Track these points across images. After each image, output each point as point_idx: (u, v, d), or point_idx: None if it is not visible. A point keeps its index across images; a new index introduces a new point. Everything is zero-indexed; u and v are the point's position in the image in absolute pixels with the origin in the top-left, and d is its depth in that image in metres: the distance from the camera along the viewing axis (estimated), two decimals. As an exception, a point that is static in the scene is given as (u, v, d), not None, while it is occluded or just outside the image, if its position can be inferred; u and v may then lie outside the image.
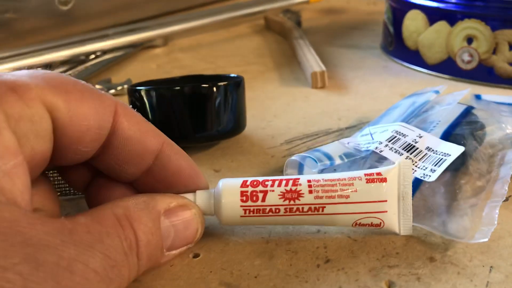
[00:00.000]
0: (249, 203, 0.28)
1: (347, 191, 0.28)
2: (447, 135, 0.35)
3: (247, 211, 0.28)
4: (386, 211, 0.28)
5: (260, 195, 0.28)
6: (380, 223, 0.28)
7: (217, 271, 0.27)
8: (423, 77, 0.56)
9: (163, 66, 0.62)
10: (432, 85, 0.53)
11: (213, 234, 0.30)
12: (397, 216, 0.28)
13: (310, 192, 0.28)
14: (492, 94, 0.51)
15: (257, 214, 0.28)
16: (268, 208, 0.28)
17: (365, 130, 0.38)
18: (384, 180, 0.28)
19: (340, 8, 0.93)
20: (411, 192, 0.28)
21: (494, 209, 0.29)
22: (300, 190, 0.28)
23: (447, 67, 0.55)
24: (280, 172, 0.37)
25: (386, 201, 0.28)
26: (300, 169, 0.35)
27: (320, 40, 0.71)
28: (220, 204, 0.28)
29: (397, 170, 0.28)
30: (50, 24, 0.68)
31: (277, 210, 0.28)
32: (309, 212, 0.28)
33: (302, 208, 0.28)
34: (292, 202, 0.28)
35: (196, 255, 0.28)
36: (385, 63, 0.61)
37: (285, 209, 0.28)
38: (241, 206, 0.27)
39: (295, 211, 0.28)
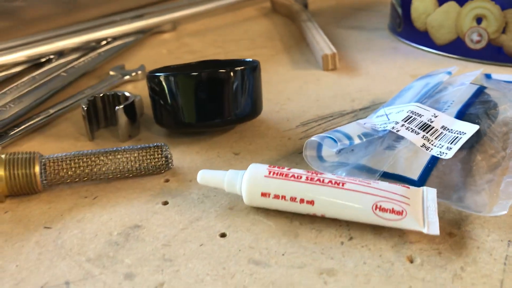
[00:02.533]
0: (274, 169, 0.30)
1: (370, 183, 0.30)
2: (461, 115, 0.36)
3: (271, 172, 0.30)
4: (409, 204, 0.28)
5: (285, 169, 0.31)
6: (402, 211, 0.28)
7: (245, 250, 0.28)
8: (432, 57, 0.57)
9: (173, 51, 0.62)
10: (442, 65, 0.54)
11: (238, 215, 0.31)
12: (421, 213, 0.28)
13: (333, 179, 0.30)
14: (501, 73, 0.51)
15: (280, 177, 0.30)
16: (291, 173, 0.30)
17: (380, 111, 0.39)
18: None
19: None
20: (435, 205, 0.29)
21: (511, 183, 0.30)
22: (323, 174, 0.30)
23: (456, 47, 0.55)
24: (299, 154, 0.37)
25: (409, 198, 0.29)
26: (319, 149, 0.36)
27: (326, 21, 0.72)
28: (245, 175, 0.30)
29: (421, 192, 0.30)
30: (58, 11, 0.68)
31: (299, 177, 0.30)
32: (329, 184, 0.29)
33: (323, 179, 0.29)
34: (314, 175, 0.30)
35: (223, 235, 0.29)
36: (394, 44, 0.61)
37: (307, 177, 0.30)
38: (266, 169, 0.30)
39: (316, 181, 0.29)
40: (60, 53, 0.58)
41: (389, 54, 0.58)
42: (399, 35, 0.63)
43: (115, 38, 0.63)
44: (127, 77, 0.52)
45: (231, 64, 0.43)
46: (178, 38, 0.67)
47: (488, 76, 0.49)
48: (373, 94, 0.47)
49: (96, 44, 0.61)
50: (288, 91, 0.49)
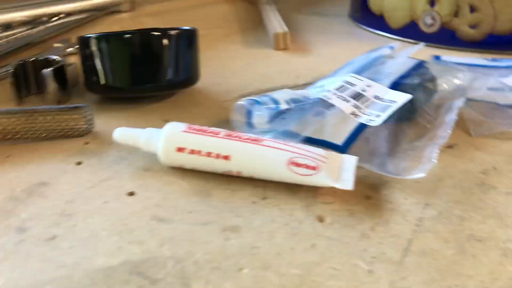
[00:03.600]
0: (193, 125, 0.30)
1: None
2: (396, 85, 0.35)
3: (190, 128, 0.29)
4: (325, 162, 0.27)
5: (205, 127, 0.30)
6: (316, 166, 0.27)
7: (151, 207, 0.26)
8: (386, 41, 0.56)
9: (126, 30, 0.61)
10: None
11: (153, 176, 0.29)
12: (337, 171, 0.27)
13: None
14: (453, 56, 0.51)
15: (198, 132, 0.29)
16: (209, 129, 0.29)
17: (318, 83, 0.38)
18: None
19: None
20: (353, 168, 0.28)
21: (434, 148, 0.29)
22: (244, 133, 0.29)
23: (411, 31, 0.55)
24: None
25: (326, 157, 0.28)
26: (250, 116, 0.34)
27: (290, 7, 0.71)
28: (163, 131, 0.29)
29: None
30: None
31: (217, 133, 0.29)
32: (248, 141, 0.28)
33: (242, 136, 0.28)
34: (233, 132, 0.29)
35: (131, 194, 0.28)
36: (350, 29, 0.61)
37: (226, 134, 0.29)
38: (185, 125, 0.30)
39: (235, 137, 0.28)
40: (8, 26, 0.56)
41: (343, 38, 0.57)
42: (358, 20, 0.62)
43: (69, 14, 0.61)
44: (70, 49, 0.50)
45: (168, 30, 0.41)
46: (134, 18, 0.66)
47: (437, 58, 0.49)
48: (320, 72, 0.46)
49: (48, 19, 0.59)
50: (235, 66, 0.48)
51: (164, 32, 0.36)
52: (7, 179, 0.29)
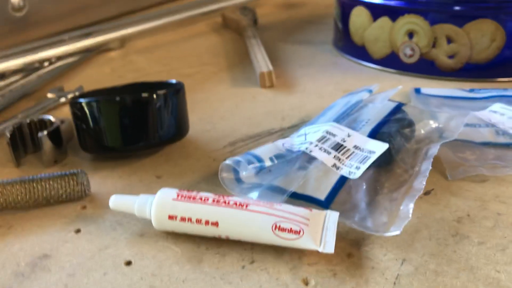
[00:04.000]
0: (183, 192, 0.31)
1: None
2: (374, 133, 0.37)
3: (179, 196, 0.31)
4: (308, 225, 0.29)
5: (194, 192, 0.32)
6: (300, 230, 0.29)
7: (147, 277, 0.28)
8: (369, 72, 0.58)
9: (117, 70, 0.62)
10: (378, 80, 0.55)
11: (148, 242, 0.31)
12: (320, 233, 0.29)
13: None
14: (434, 86, 0.53)
15: (187, 200, 0.31)
16: (198, 196, 0.31)
17: (301, 131, 0.40)
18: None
19: (299, 1, 0.94)
20: (335, 226, 0.29)
21: (410, 202, 0.31)
22: (230, 196, 0.31)
23: (392, 62, 0.57)
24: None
25: (308, 219, 0.29)
26: (236, 171, 0.36)
27: (274, 36, 0.73)
28: (154, 199, 0.31)
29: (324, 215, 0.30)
30: (5, 31, 0.68)
31: (206, 199, 0.30)
32: (234, 206, 0.30)
33: (229, 201, 0.30)
34: (220, 197, 0.31)
35: (128, 263, 0.30)
36: (335, 59, 0.63)
37: (213, 199, 0.30)
38: (175, 193, 0.31)
39: (222, 203, 0.30)
40: (1, 75, 0.58)
41: (328, 70, 0.59)
42: (341, 49, 0.64)
43: (60, 58, 0.63)
44: (63, 100, 0.52)
45: (156, 86, 0.43)
46: (124, 56, 0.68)
47: (417, 91, 0.51)
48: (305, 112, 0.48)
49: (40, 64, 0.61)
50: (223, 109, 0.50)
51: (152, 92, 0.38)
52: (11, 252, 0.31)
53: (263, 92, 0.54)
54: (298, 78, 0.57)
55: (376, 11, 0.56)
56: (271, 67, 0.55)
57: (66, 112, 0.51)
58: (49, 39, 0.69)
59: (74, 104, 0.39)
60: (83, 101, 0.38)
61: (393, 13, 0.55)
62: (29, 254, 0.31)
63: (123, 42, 0.71)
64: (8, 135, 0.40)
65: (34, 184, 0.34)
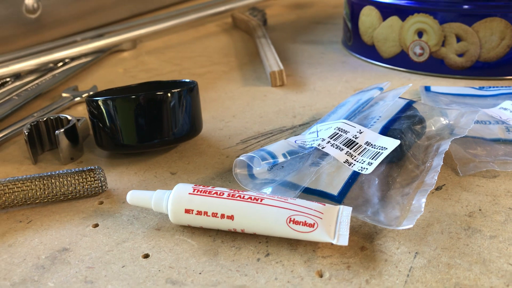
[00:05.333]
0: (199, 187, 0.32)
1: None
2: (386, 130, 0.38)
3: (195, 190, 0.32)
4: (321, 218, 0.30)
5: (210, 187, 0.32)
6: (314, 223, 0.29)
7: (165, 270, 0.29)
8: (379, 70, 0.58)
9: (130, 70, 0.63)
10: (387, 78, 0.56)
11: (164, 235, 0.32)
12: (333, 226, 0.30)
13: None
14: (443, 85, 0.53)
15: (203, 194, 0.31)
16: (214, 191, 0.31)
17: (313, 128, 0.40)
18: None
19: (307, 2, 0.95)
20: (348, 220, 0.30)
21: (422, 197, 0.31)
22: (245, 191, 0.32)
23: (401, 60, 0.57)
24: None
25: (322, 213, 0.30)
26: (250, 167, 0.37)
27: (284, 36, 0.73)
28: (171, 193, 0.32)
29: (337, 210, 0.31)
30: (19, 33, 0.69)
31: (221, 194, 0.31)
32: (249, 200, 0.30)
33: (244, 196, 0.31)
34: (235, 192, 0.31)
35: (146, 256, 0.30)
36: (344, 58, 0.63)
37: (228, 194, 0.31)
38: (191, 187, 0.32)
39: (237, 197, 0.31)
40: (17, 75, 0.59)
41: (338, 69, 0.60)
42: (350, 48, 0.64)
43: (73, 58, 0.64)
44: (77, 99, 0.53)
45: (170, 85, 0.44)
46: (136, 56, 0.69)
47: (427, 89, 0.51)
48: (315, 109, 0.49)
49: (54, 65, 0.62)
50: (235, 108, 0.51)
51: (167, 91, 0.39)
52: (31, 246, 0.32)
53: (274, 90, 0.54)
54: (308, 77, 0.58)
55: (386, 11, 0.57)
56: (281, 66, 0.55)
57: (80, 111, 0.52)
58: (62, 40, 0.70)
59: (90, 102, 0.40)
60: (99, 99, 0.39)
61: (403, 12, 0.55)
62: (49, 247, 0.32)
63: (135, 43, 0.72)
64: (26, 132, 0.41)
65: (53, 180, 0.35)
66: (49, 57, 0.61)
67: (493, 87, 0.50)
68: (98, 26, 0.81)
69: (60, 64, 0.62)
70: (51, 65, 0.62)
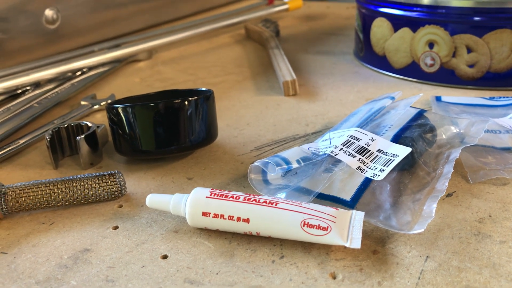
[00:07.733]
0: (215, 191, 0.33)
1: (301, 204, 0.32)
2: (397, 138, 0.38)
3: (212, 194, 0.33)
4: (335, 222, 0.31)
5: (226, 191, 0.33)
6: (328, 227, 0.30)
7: (183, 270, 0.30)
8: (390, 81, 0.59)
9: (146, 80, 0.65)
10: (398, 88, 0.57)
11: (182, 238, 0.33)
12: (346, 230, 0.31)
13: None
14: (453, 95, 0.54)
15: (220, 198, 0.32)
16: (230, 194, 0.33)
17: (326, 136, 0.41)
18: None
19: (319, 14, 0.96)
20: (361, 224, 0.31)
21: (433, 202, 0.32)
22: (260, 196, 0.33)
23: (412, 71, 0.58)
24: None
25: (335, 217, 0.31)
26: (264, 173, 0.38)
27: (296, 47, 0.75)
28: (189, 197, 0.33)
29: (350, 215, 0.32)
30: (39, 43, 0.72)
31: (237, 198, 0.32)
32: (264, 204, 0.31)
33: (259, 200, 0.32)
34: (251, 196, 0.33)
35: (164, 257, 0.31)
36: (356, 68, 0.64)
37: (244, 198, 0.32)
38: (208, 191, 0.33)
39: (252, 201, 0.32)
40: (37, 84, 0.61)
41: (349, 79, 0.61)
42: (362, 59, 0.66)
43: (91, 68, 0.66)
44: (96, 107, 0.54)
45: (186, 94, 0.46)
46: (152, 66, 0.70)
47: (438, 99, 0.52)
48: (327, 118, 0.50)
49: (72, 74, 0.64)
50: (249, 116, 0.52)
51: (184, 99, 0.40)
52: (54, 246, 0.33)
53: (287, 100, 0.55)
54: (320, 86, 0.59)
55: (397, 22, 0.58)
56: (294, 76, 0.57)
57: (99, 119, 0.53)
58: (80, 50, 0.72)
59: (110, 109, 0.41)
60: (119, 106, 0.41)
61: (414, 24, 0.56)
62: (71, 248, 0.33)
63: (150, 53, 0.74)
64: (48, 138, 0.42)
65: (74, 184, 0.37)
66: (68, 66, 0.63)
67: (503, 97, 0.51)
68: (114, 37, 0.83)
69: (79, 73, 0.64)
70: (69, 74, 0.64)
